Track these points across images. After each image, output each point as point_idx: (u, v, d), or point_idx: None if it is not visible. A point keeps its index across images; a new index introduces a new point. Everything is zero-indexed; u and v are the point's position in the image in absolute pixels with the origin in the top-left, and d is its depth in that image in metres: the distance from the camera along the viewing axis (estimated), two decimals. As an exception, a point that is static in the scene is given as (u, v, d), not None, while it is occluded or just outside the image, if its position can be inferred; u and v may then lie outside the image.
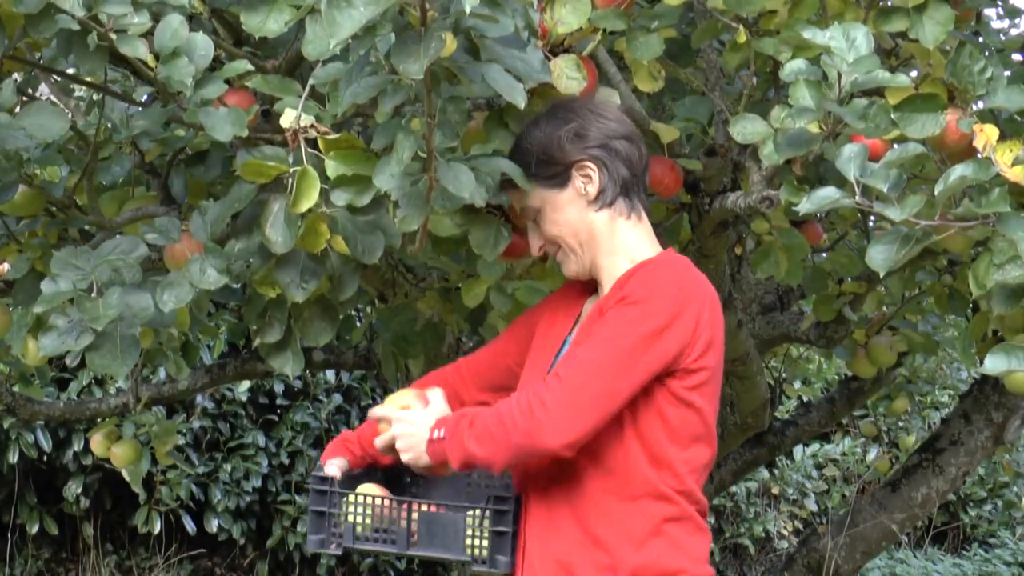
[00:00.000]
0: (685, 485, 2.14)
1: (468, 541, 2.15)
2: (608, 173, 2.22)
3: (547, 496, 2.16)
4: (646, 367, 2.07)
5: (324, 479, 2.23)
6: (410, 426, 2.18)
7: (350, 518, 2.20)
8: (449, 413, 2.19)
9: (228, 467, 6.15)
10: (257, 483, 6.18)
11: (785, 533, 7.89)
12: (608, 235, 2.23)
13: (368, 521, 2.19)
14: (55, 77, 2.74)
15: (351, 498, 2.21)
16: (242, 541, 6.27)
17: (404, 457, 2.18)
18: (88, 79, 2.57)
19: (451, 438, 2.11)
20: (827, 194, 2.22)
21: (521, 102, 2.10)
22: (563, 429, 2.02)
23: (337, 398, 6.51)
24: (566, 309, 2.33)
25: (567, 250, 2.25)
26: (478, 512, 2.16)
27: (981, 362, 2.43)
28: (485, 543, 2.14)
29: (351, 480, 2.27)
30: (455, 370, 2.43)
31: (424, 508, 2.18)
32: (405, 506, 2.18)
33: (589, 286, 2.34)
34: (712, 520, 7.34)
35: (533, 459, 2.10)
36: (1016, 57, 3.52)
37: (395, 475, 2.36)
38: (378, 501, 2.19)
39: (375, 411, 2.25)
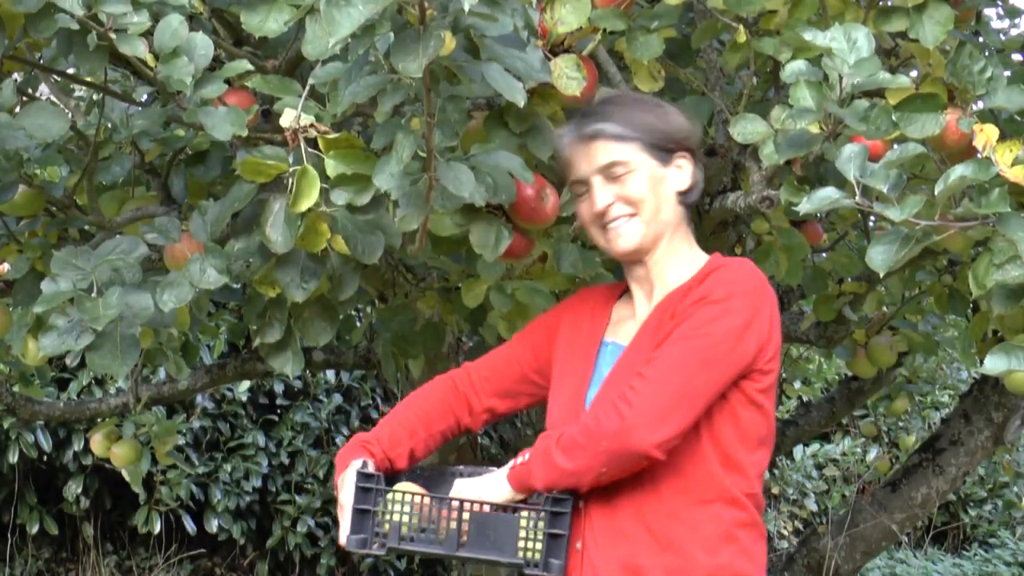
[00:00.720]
0: (753, 488, 2.12)
1: (521, 544, 2.06)
2: (696, 176, 2.25)
3: (611, 498, 2.09)
4: (730, 366, 2.05)
5: (369, 476, 2.13)
6: (482, 477, 2.14)
7: (395, 517, 2.10)
8: None
9: (228, 467, 6.15)
10: (257, 483, 6.18)
11: (785, 533, 7.89)
12: (675, 231, 2.23)
13: (415, 520, 2.10)
14: (55, 77, 2.74)
15: (397, 496, 2.11)
16: (242, 541, 6.27)
17: (479, 493, 2.11)
18: (88, 79, 2.57)
19: (536, 458, 2.06)
20: (827, 194, 2.22)
21: (521, 101, 2.10)
22: (653, 428, 1.98)
23: (337, 398, 6.51)
24: (592, 313, 2.30)
25: (640, 217, 2.19)
26: (532, 513, 2.07)
27: (981, 362, 2.43)
28: (539, 546, 2.05)
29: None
30: (464, 374, 2.39)
31: (476, 508, 2.09)
32: (455, 506, 2.09)
33: (614, 291, 2.32)
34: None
35: (625, 466, 2.03)
36: (1016, 57, 3.52)
37: (417, 479, 2.28)
38: (427, 500, 2.11)
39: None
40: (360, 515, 2.12)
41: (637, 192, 2.18)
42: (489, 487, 2.12)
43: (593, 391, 2.19)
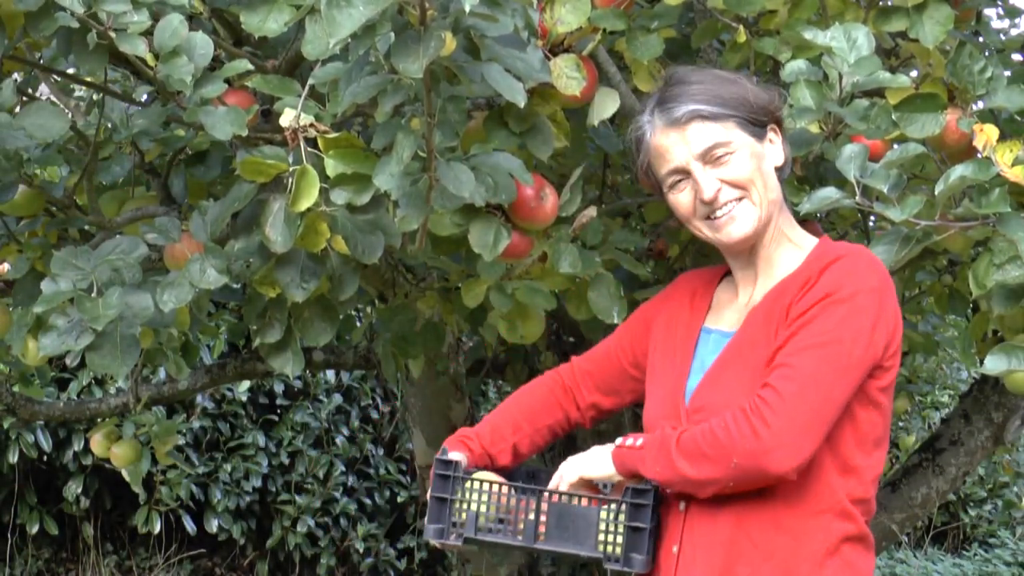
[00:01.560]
0: (868, 492, 2.03)
1: (601, 537, 1.98)
2: (787, 149, 2.13)
3: (714, 502, 1.99)
4: (863, 370, 1.95)
5: (448, 463, 2.06)
6: (586, 452, 2.06)
7: (473, 506, 2.03)
8: None
9: (228, 467, 6.15)
10: (257, 483, 6.18)
11: (785, 533, 7.87)
12: (781, 211, 2.11)
13: (492, 511, 2.02)
14: (55, 77, 2.74)
15: (475, 485, 2.04)
16: (242, 541, 6.27)
17: (579, 466, 2.04)
18: (88, 79, 2.57)
19: (652, 450, 1.97)
20: (827, 194, 2.22)
21: (521, 101, 2.10)
22: (793, 452, 1.88)
23: (337, 398, 6.51)
24: (692, 299, 2.20)
25: (751, 200, 2.05)
26: (614, 505, 1.99)
27: (981, 362, 2.42)
28: (619, 539, 1.97)
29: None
30: (569, 369, 2.33)
31: (555, 499, 2.00)
32: (534, 496, 2.01)
33: (715, 274, 2.22)
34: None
35: (755, 484, 1.93)
36: (1016, 57, 3.51)
37: (521, 478, 2.22)
38: (504, 489, 2.03)
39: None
40: (438, 503, 2.05)
41: (743, 173, 2.04)
42: (591, 462, 2.03)
43: (694, 380, 2.09)
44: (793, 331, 1.95)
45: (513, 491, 2.02)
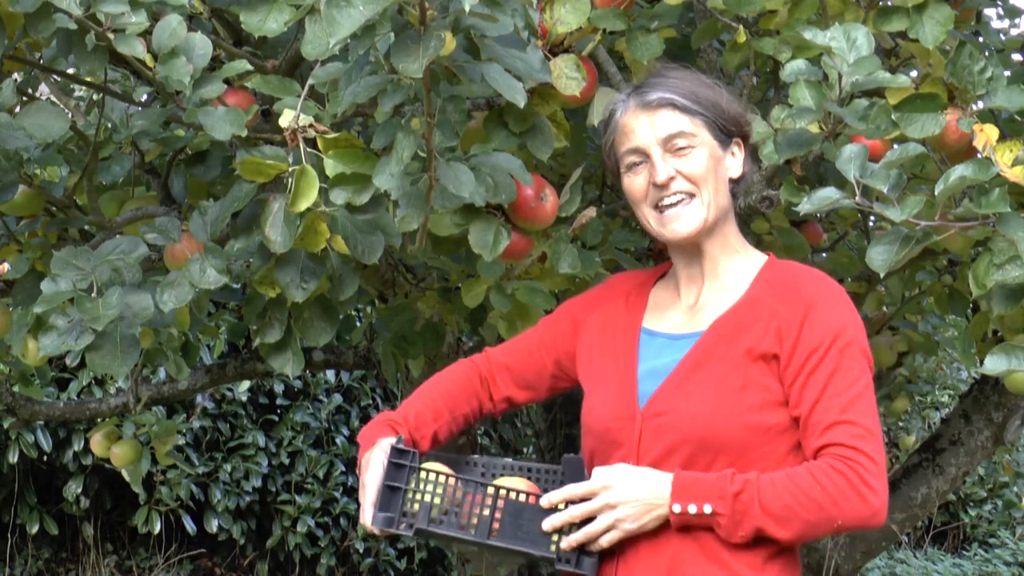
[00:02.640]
0: None
1: (555, 537, 1.98)
2: (746, 167, 2.16)
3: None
4: None
5: (404, 452, 2.04)
6: (630, 486, 1.98)
7: (426, 498, 2.01)
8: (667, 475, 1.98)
9: (228, 467, 6.15)
10: (257, 483, 6.18)
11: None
12: (728, 221, 2.14)
13: (445, 503, 2.01)
14: (55, 77, 2.74)
15: (430, 476, 2.02)
16: (242, 541, 6.27)
17: (615, 518, 1.97)
18: (88, 79, 2.57)
19: (726, 517, 1.93)
20: (827, 194, 2.22)
21: (521, 101, 2.10)
22: (886, 510, 1.96)
23: (337, 398, 6.51)
24: (626, 300, 2.21)
25: (700, 199, 2.08)
26: (565, 506, 1.98)
27: (981, 362, 2.43)
28: (577, 539, 1.97)
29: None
30: (485, 360, 2.31)
31: (513, 497, 2.00)
32: (491, 492, 2.00)
33: (649, 276, 2.23)
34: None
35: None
36: (1016, 57, 3.52)
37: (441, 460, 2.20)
38: (460, 484, 2.01)
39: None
40: (390, 492, 2.03)
41: (699, 169, 2.07)
42: (645, 483, 1.97)
43: (648, 385, 2.07)
44: (825, 382, 1.97)
45: (467, 485, 2.02)
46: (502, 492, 2.00)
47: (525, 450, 6.85)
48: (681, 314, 2.14)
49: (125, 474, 3.66)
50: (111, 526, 6.28)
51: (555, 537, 1.98)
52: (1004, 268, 2.23)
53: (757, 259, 2.15)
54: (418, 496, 2.02)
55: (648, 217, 2.11)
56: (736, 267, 2.13)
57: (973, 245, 2.73)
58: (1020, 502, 8.64)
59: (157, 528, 5.97)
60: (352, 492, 6.49)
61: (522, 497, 2.00)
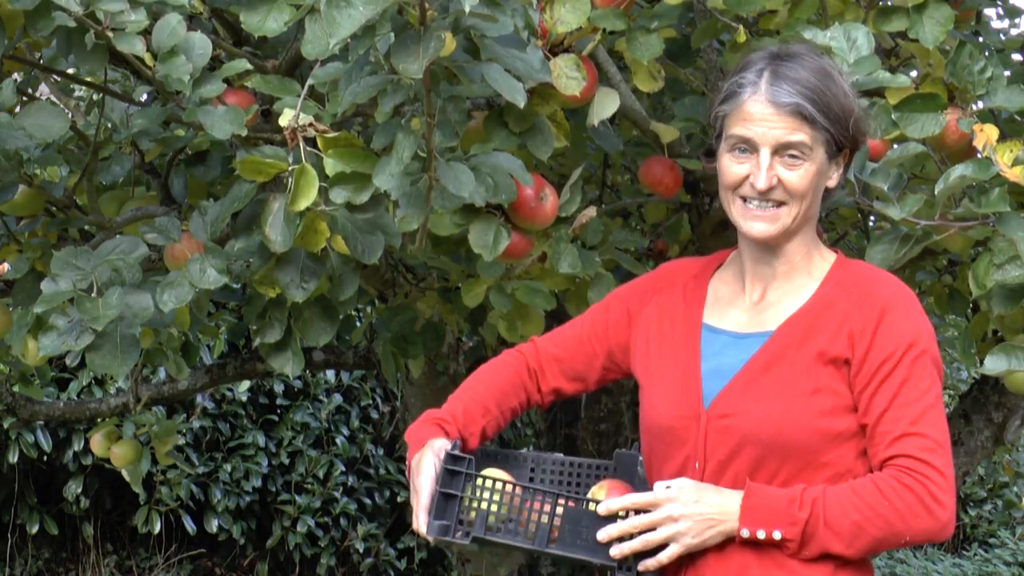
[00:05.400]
0: None
1: (627, 550, 1.93)
2: (842, 177, 2.06)
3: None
4: None
5: (459, 458, 1.99)
6: (695, 501, 1.94)
7: (483, 505, 1.96)
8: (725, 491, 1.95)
9: (228, 467, 6.15)
10: (257, 483, 6.18)
11: (785, 533, 7.87)
12: (811, 230, 2.06)
13: (503, 511, 1.96)
14: (55, 77, 2.74)
15: (486, 483, 1.97)
16: (242, 541, 6.27)
17: (676, 531, 1.93)
18: (88, 79, 2.57)
19: (796, 542, 1.90)
20: (827, 194, 2.22)
21: (521, 102, 2.10)
22: (954, 523, 1.93)
23: (337, 398, 6.51)
24: (684, 291, 2.14)
25: (791, 210, 1.99)
26: (628, 514, 1.94)
27: (981, 362, 2.43)
28: (634, 547, 1.93)
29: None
30: (533, 350, 2.24)
31: (571, 504, 1.95)
32: (551, 499, 1.95)
33: (707, 266, 2.17)
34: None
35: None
36: (1016, 57, 3.52)
37: (492, 461, 2.15)
38: (518, 490, 1.96)
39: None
40: (445, 499, 1.98)
41: (802, 186, 1.98)
42: (710, 499, 1.94)
43: (712, 384, 2.02)
44: (895, 391, 1.94)
45: (525, 492, 1.98)
46: (561, 498, 1.96)
47: (525, 450, 6.85)
48: (744, 311, 2.07)
49: (125, 474, 3.66)
50: (111, 526, 6.28)
51: (616, 545, 1.94)
52: (1004, 268, 2.24)
53: (828, 257, 2.08)
54: (474, 504, 1.98)
55: (731, 204, 2.03)
56: (807, 266, 2.06)
57: (973, 245, 2.73)
58: (1020, 502, 8.64)
59: (157, 528, 5.97)
60: (352, 492, 6.50)
61: (586, 505, 1.95)
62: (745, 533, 1.91)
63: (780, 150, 1.97)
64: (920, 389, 1.93)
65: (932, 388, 1.95)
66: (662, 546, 1.93)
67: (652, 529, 1.93)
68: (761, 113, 1.96)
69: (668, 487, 1.95)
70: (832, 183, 2.04)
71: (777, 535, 1.90)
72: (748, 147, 1.98)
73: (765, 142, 1.96)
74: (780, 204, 1.99)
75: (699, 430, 2.00)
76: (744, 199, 2.00)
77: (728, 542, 1.94)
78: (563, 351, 2.22)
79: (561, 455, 2.19)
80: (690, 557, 1.96)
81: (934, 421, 1.93)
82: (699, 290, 2.13)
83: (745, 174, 1.99)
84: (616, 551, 1.92)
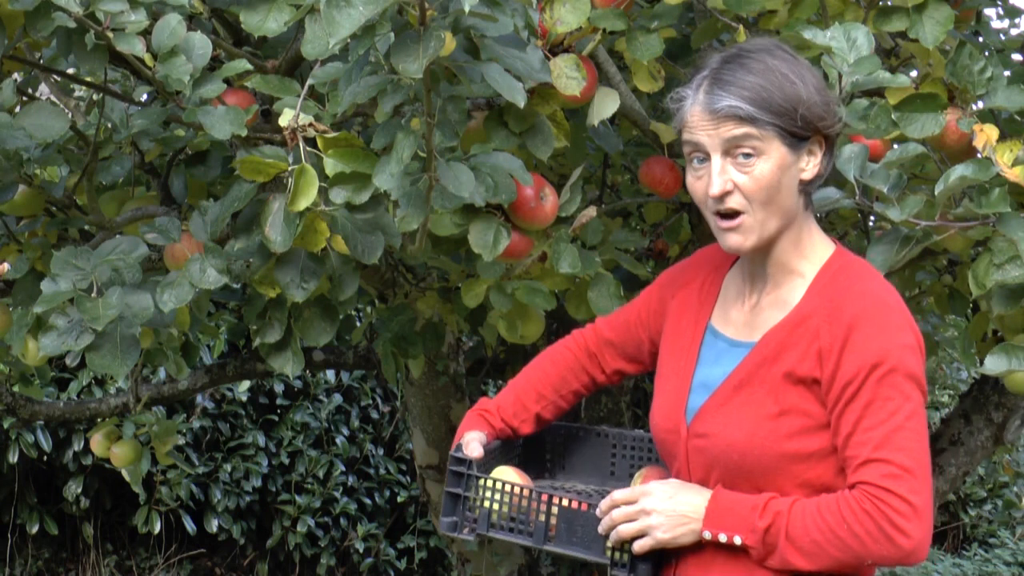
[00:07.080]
0: None
1: (609, 543, 1.99)
2: (824, 165, 1.99)
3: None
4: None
5: (462, 460, 2.10)
6: (669, 496, 1.96)
7: (486, 504, 2.07)
8: (694, 488, 1.97)
9: (228, 467, 6.15)
10: (257, 483, 6.18)
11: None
12: (794, 221, 1.99)
13: (505, 509, 2.06)
14: (55, 77, 2.74)
15: (489, 483, 2.08)
16: (242, 541, 6.27)
17: (647, 524, 1.96)
18: (88, 79, 2.57)
19: (759, 548, 1.90)
20: (827, 194, 2.22)
21: (521, 101, 2.10)
22: (928, 543, 1.87)
23: (337, 398, 6.51)
24: (701, 288, 2.13)
25: (753, 215, 1.94)
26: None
27: (981, 362, 2.43)
28: (626, 546, 1.98)
29: (487, 455, 2.13)
30: (592, 335, 2.28)
31: (565, 503, 2.03)
32: (545, 498, 2.03)
33: (726, 259, 2.13)
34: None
35: None
36: (1016, 57, 3.52)
37: (534, 451, 2.31)
38: (516, 490, 2.06)
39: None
40: (452, 498, 2.10)
41: (757, 186, 1.92)
42: (684, 496, 1.97)
43: (697, 398, 2.04)
44: (859, 414, 1.89)
45: (525, 491, 2.06)
46: (556, 497, 2.02)
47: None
48: (743, 314, 2.06)
49: (125, 474, 3.66)
50: (111, 526, 6.28)
51: (610, 544, 2.00)
52: (1004, 268, 2.24)
53: (824, 251, 2.02)
54: (479, 502, 2.08)
55: (710, 220, 2.01)
56: (799, 262, 2.01)
57: (973, 245, 2.73)
58: (1020, 502, 8.64)
59: (157, 528, 5.97)
60: (352, 492, 6.50)
61: (580, 505, 2.02)
62: (707, 535, 1.93)
63: (731, 151, 1.93)
64: (887, 411, 1.87)
65: (901, 408, 1.87)
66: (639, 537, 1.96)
67: (630, 521, 1.97)
68: (702, 120, 1.95)
69: (650, 483, 2.00)
70: (808, 175, 1.97)
71: (737, 540, 1.91)
72: (703, 155, 1.96)
73: (713, 147, 1.94)
74: (744, 214, 1.95)
75: (682, 445, 2.03)
76: (716, 213, 1.97)
77: (711, 545, 1.95)
78: (616, 335, 2.27)
79: (642, 432, 2.28)
80: (679, 556, 1.99)
81: (901, 444, 1.87)
82: (714, 286, 2.13)
83: (705, 185, 1.96)
84: (609, 551, 1.98)
